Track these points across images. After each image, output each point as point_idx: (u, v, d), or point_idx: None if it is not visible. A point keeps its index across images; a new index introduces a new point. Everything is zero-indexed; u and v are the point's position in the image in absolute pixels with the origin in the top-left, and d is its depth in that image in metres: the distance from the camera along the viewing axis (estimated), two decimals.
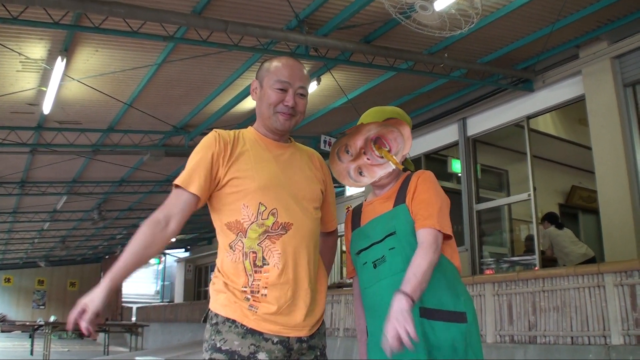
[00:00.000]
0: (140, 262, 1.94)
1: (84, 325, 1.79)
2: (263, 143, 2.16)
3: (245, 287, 1.99)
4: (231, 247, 2.04)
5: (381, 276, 2.21)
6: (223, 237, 2.07)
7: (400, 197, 2.23)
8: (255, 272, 2.00)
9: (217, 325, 1.99)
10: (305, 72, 2.20)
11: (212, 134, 2.12)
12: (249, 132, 2.20)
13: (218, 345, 1.94)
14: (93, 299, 1.82)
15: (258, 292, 1.98)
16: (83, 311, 1.80)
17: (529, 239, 9.24)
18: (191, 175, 2.02)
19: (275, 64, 2.17)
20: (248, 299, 1.98)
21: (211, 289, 2.10)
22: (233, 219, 2.04)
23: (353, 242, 2.35)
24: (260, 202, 2.02)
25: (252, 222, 2.02)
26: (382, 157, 2.28)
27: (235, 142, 2.11)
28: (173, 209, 2.00)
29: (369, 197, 2.39)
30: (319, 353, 2.09)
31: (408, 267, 2.06)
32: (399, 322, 1.84)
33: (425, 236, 2.12)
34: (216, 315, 2.01)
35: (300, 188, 2.12)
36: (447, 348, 2.05)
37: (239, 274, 2.01)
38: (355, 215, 2.40)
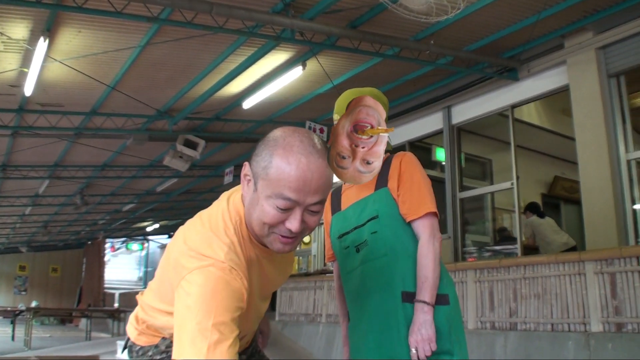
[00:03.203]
0: None
1: None
2: (259, 261, 1.64)
3: None
4: None
5: (363, 260, 2.19)
6: None
7: (382, 180, 2.21)
8: None
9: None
10: (327, 172, 1.49)
11: (240, 282, 1.48)
12: (247, 245, 1.59)
13: None
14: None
15: None
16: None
17: (503, 230, 9.42)
18: None
19: (280, 163, 1.42)
20: None
21: None
22: None
23: (333, 225, 2.32)
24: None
25: None
26: (371, 137, 2.26)
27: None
28: None
29: None
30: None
31: (417, 269, 2.08)
32: (423, 337, 1.95)
33: (424, 228, 2.11)
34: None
35: (271, 290, 1.87)
36: None
37: None
38: (335, 198, 2.37)
